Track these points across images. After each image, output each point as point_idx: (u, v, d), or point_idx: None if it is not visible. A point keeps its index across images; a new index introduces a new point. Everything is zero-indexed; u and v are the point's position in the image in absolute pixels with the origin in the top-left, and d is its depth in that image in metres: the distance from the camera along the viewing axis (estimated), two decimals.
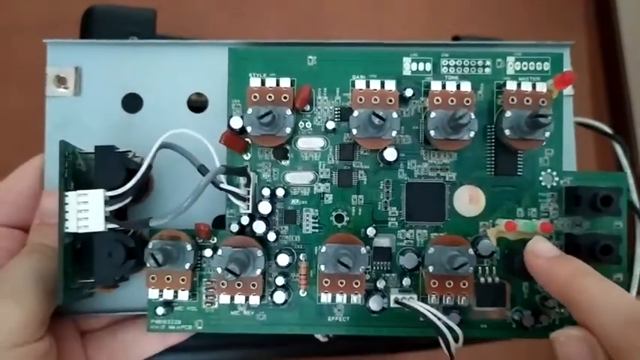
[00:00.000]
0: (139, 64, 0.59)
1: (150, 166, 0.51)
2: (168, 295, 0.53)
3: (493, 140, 0.55)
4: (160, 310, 0.54)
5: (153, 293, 0.53)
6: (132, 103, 0.58)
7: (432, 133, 0.52)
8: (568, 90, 0.58)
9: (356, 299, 0.53)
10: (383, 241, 0.55)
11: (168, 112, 0.58)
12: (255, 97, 0.53)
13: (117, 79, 0.58)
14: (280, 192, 0.54)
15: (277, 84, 0.53)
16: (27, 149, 0.58)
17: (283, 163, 0.55)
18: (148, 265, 0.51)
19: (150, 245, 0.51)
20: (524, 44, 0.58)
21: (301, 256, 0.55)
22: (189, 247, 0.52)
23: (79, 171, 0.52)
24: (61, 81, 0.57)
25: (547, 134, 0.52)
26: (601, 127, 0.65)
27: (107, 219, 0.50)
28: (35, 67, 0.62)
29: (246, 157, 0.55)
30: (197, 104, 0.59)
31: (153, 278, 0.52)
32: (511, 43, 0.59)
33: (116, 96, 0.58)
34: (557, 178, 0.55)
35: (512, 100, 0.53)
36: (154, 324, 0.55)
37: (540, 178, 0.55)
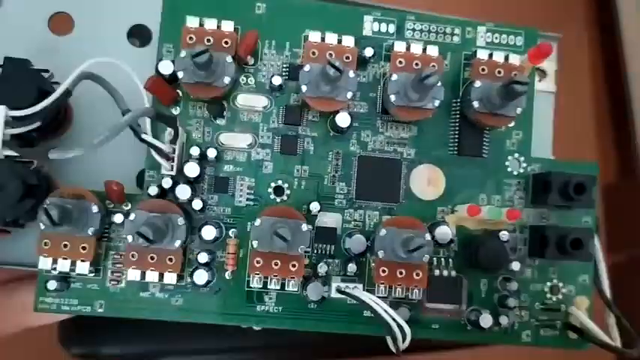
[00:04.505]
0: None
1: (68, 92, 0.42)
2: (63, 266, 0.43)
3: (458, 116, 0.49)
4: (52, 285, 0.44)
5: (44, 262, 0.43)
6: (61, 23, 0.49)
7: (393, 98, 0.45)
8: (549, 85, 0.54)
9: (292, 285, 0.45)
10: (328, 221, 0.48)
11: (103, 40, 0.49)
12: (190, 38, 0.45)
13: None
14: (212, 153, 0.46)
15: (218, 26, 0.45)
16: None
17: (218, 121, 0.47)
18: (41, 224, 0.42)
19: (47, 202, 0.42)
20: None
21: (231, 232, 0.47)
22: (94, 208, 0.43)
23: None
24: None
25: (518, 110, 0.46)
26: None
27: (5, 144, 0.40)
28: None
29: (175, 111, 0.47)
30: (140, 36, 0.50)
31: (46, 244, 0.43)
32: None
33: (42, 13, 0.48)
34: (524, 164, 0.49)
35: (483, 70, 0.47)
36: (44, 302, 0.45)
37: (507, 163, 0.49)
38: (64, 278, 0.45)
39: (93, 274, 0.45)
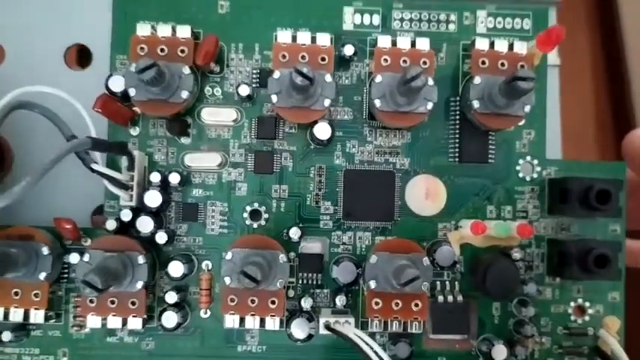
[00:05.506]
0: None
1: None
2: (16, 316, 0.39)
3: (458, 117, 0.42)
4: (7, 336, 0.40)
5: None
6: None
7: (378, 103, 0.39)
8: (553, 58, 0.46)
9: (273, 324, 0.39)
10: (312, 246, 0.42)
11: (39, 67, 0.44)
12: (142, 48, 0.39)
13: None
14: (175, 178, 0.40)
15: (173, 33, 0.40)
16: None
17: (183, 140, 0.42)
18: None
19: None
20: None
21: (204, 265, 0.42)
22: (45, 250, 0.38)
23: None
24: None
25: (527, 108, 0.39)
26: None
27: None
28: None
29: (134, 131, 0.42)
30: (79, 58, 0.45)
31: None
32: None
33: None
34: (538, 168, 0.43)
35: (483, 62, 0.40)
36: (2, 353, 0.41)
37: (517, 168, 0.43)
38: (23, 326, 0.41)
39: (53, 320, 0.41)
